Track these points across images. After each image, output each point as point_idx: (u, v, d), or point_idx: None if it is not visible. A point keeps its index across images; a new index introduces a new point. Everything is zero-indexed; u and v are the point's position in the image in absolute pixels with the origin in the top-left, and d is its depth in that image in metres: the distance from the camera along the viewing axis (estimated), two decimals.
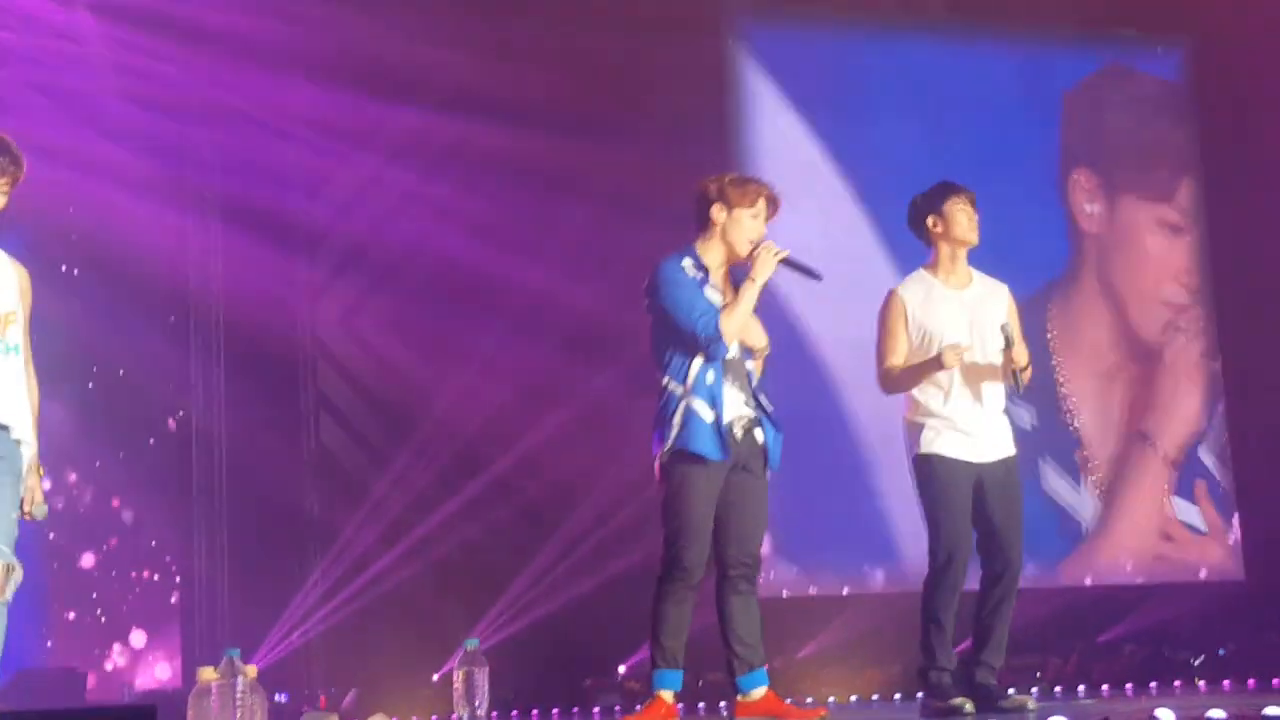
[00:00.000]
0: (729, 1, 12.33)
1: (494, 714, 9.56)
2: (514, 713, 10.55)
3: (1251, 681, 10.52)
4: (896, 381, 6.76)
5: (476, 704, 5.00)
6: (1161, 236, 12.87)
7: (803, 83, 12.30)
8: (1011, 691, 6.76)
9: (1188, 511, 12.49)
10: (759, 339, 6.30)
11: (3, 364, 5.31)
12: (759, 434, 6.19)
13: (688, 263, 6.20)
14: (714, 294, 6.17)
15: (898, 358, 6.74)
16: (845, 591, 11.75)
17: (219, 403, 11.32)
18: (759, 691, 6.18)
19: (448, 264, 11.28)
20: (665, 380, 6.15)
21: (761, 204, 6.22)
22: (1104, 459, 12.40)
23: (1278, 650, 11.28)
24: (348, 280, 11.75)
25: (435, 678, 10.85)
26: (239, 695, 4.77)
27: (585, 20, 11.39)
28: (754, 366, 6.28)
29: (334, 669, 11.20)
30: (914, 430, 6.76)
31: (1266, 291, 12.39)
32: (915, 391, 6.74)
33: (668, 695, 6.12)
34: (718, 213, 6.21)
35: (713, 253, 6.25)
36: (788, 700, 6.80)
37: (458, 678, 5.02)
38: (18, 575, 5.06)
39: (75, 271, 11.05)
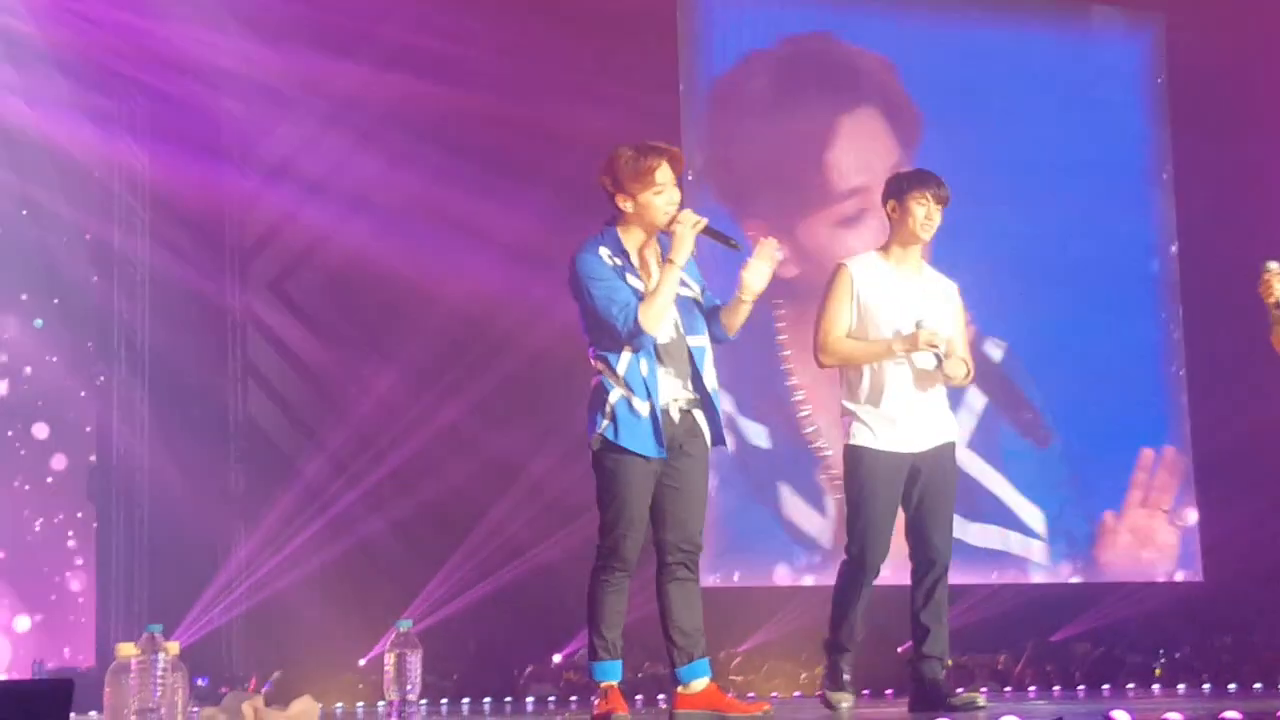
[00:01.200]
0: None
1: (423, 702, 9.23)
2: (444, 700, 10.22)
3: (1206, 685, 10.40)
4: (845, 354, 6.59)
5: (408, 689, 4.65)
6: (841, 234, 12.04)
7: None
8: (960, 691, 6.60)
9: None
10: (735, 329, 6.02)
11: None
12: (698, 415, 5.94)
13: (605, 251, 5.87)
14: (635, 280, 5.86)
15: (841, 329, 6.59)
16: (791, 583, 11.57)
17: (143, 366, 10.95)
18: (700, 683, 5.89)
19: (384, 228, 10.98)
20: (597, 365, 5.89)
21: (662, 174, 5.84)
22: None
23: (1232, 653, 11.18)
24: (279, 244, 11.40)
25: (362, 662, 10.59)
26: (160, 672, 4.45)
27: None
28: (703, 344, 5.97)
29: (256, 651, 10.90)
30: (846, 418, 6.65)
31: (1228, 292, 12.12)
32: (853, 379, 6.61)
33: (616, 685, 5.86)
34: (624, 203, 5.87)
35: (631, 235, 5.93)
36: (730, 693, 6.50)
37: (389, 660, 4.70)
38: None
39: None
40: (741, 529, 11.60)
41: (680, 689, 5.90)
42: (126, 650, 4.97)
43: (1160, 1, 12.86)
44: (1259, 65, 12.43)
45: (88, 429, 10.84)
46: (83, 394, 10.80)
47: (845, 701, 6.56)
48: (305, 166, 11.30)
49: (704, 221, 5.83)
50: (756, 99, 12.18)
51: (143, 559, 10.82)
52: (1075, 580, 12.07)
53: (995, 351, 12.08)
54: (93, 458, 10.80)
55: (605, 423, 5.79)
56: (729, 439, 6.32)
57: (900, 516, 6.59)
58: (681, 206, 5.85)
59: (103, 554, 10.76)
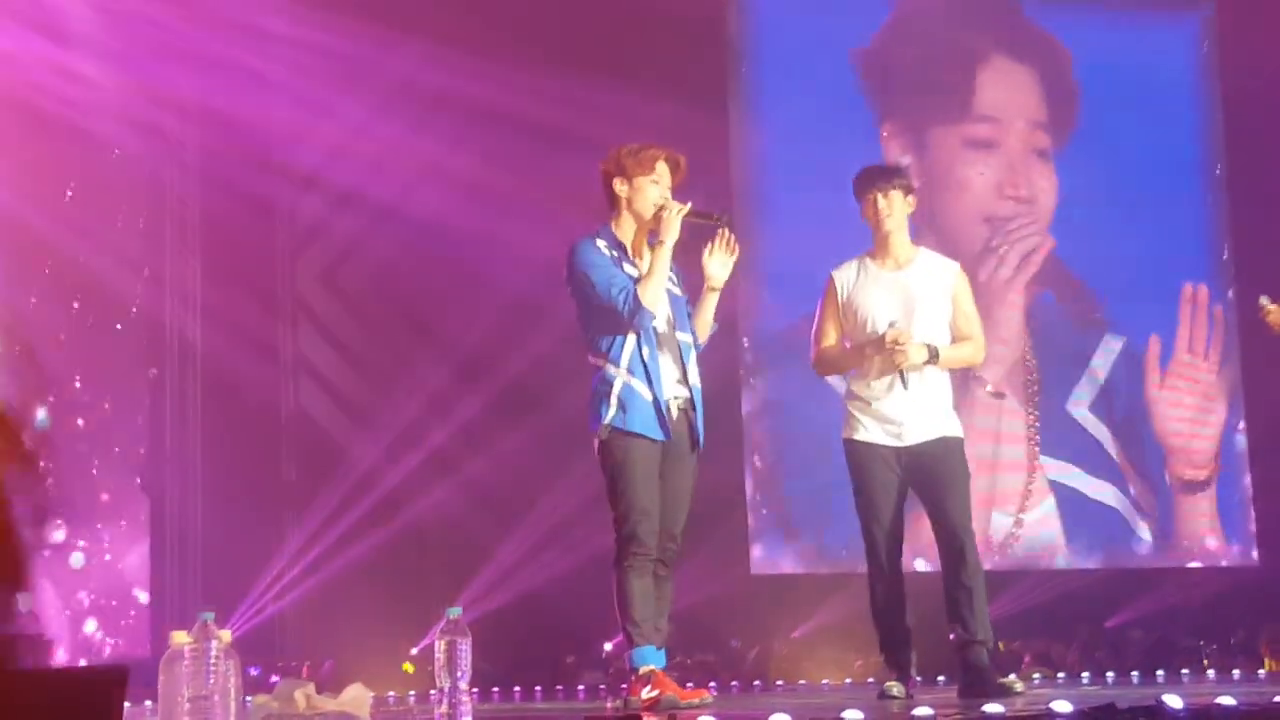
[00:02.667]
0: None
1: (474, 690, 9.23)
2: (495, 690, 10.22)
3: (1263, 672, 10.31)
4: (829, 363, 6.96)
5: (459, 676, 4.64)
6: (970, 155, 12.44)
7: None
8: (1013, 677, 6.86)
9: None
10: (704, 330, 6.29)
11: None
12: (690, 414, 6.16)
13: (601, 243, 6.16)
14: (631, 269, 6.12)
15: (827, 340, 6.90)
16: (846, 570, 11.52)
17: (195, 360, 10.97)
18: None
19: (435, 220, 10.96)
20: (598, 360, 6.09)
21: (661, 167, 6.19)
22: None
23: None
24: (331, 235, 11.40)
25: (414, 650, 10.60)
26: (212, 660, 4.48)
27: None
28: (689, 340, 6.21)
29: (309, 639, 10.92)
30: (844, 413, 6.89)
31: None
32: (849, 376, 6.90)
33: (659, 670, 5.99)
34: (620, 186, 6.19)
35: (625, 228, 6.22)
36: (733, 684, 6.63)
37: (439, 648, 4.70)
38: None
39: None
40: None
41: (634, 677, 6.04)
42: (180, 638, 4.97)
43: None
44: None
45: (139, 420, 10.89)
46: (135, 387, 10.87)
47: (895, 689, 6.67)
48: (357, 156, 11.30)
49: (686, 207, 6.10)
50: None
51: (196, 549, 10.86)
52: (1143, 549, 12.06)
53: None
54: (143, 450, 10.84)
55: (612, 411, 6.00)
56: None
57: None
58: None
59: (157, 545, 10.80)
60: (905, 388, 6.65)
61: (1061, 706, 4.63)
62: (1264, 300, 7.08)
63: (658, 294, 6.03)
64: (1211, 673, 10.66)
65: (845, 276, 6.86)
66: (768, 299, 11.85)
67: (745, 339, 11.85)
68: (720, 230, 6.19)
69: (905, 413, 6.69)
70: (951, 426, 6.81)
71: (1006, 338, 12.15)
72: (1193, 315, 12.47)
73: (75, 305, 10.60)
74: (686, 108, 10.60)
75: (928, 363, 6.66)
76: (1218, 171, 12.79)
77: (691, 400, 6.14)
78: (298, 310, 11.47)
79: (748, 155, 12.10)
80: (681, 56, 11.47)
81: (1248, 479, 12.40)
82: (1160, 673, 10.55)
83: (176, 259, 11.05)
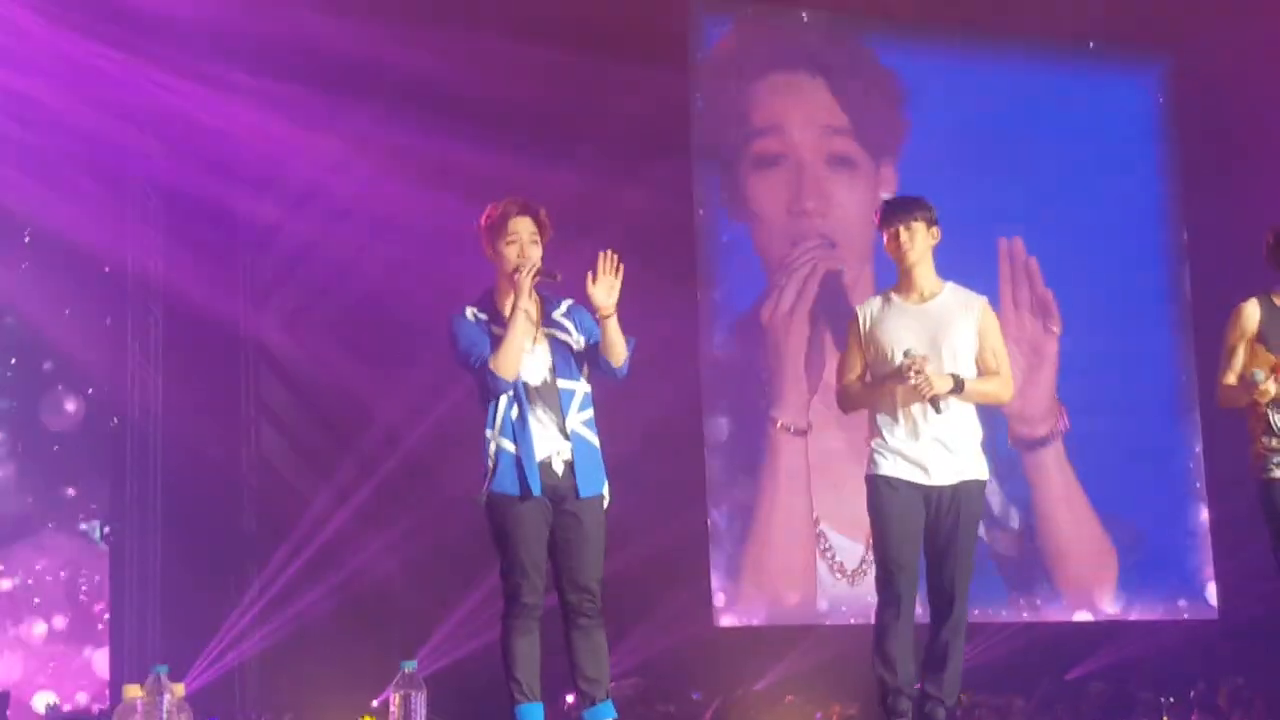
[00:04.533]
0: None
1: None
2: None
3: None
4: (854, 398, 6.69)
5: None
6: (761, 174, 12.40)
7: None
8: None
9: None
10: (618, 355, 6.13)
11: None
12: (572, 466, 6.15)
13: (471, 310, 6.18)
14: (501, 331, 6.07)
15: (852, 374, 6.66)
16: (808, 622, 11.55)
17: (156, 407, 10.95)
18: None
19: (396, 268, 10.95)
20: (484, 425, 6.12)
21: (516, 225, 6.14)
22: None
23: (1245, 690, 11.09)
24: (293, 284, 11.39)
25: (375, 703, 10.52)
26: (164, 714, 4.44)
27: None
28: (575, 387, 6.15)
29: (268, 693, 10.86)
30: (868, 449, 6.65)
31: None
32: (874, 411, 6.62)
33: None
34: (490, 255, 6.18)
35: (501, 290, 6.18)
36: None
37: (394, 701, 4.67)
38: None
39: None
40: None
41: None
42: (132, 692, 4.98)
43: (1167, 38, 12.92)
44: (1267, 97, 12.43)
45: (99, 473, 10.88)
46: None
47: None
48: (323, 199, 11.32)
49: (531, 266, 6.05)
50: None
51: (155, 600, 10.80)
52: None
53: None
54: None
55: (487, 476, 6.03)
56: None
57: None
58: None
59: (115, 596, 10.75)
60: (939, 411, 6.41)
61: None
62: (1260, 375, 6.74)
63: (511, 359, 5.98)
64: None
65: (869, 310, 6.67)
66: (724, 341, 11.94)
67: (705, 385, 11.88)
68: (602, 255, 6.06)
69: (931, 452, 6.48)
70: (978, 469, 6.59)
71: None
72: (1012, 271, 12.51)
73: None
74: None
75: (952, 392, 6.42)
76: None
77: (574, 450, 6.10)
78: (259, 359, 11.44)
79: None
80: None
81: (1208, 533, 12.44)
82: None
83: (139, 311, 11.03)
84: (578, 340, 6.19)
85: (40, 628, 10.70)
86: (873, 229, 6.83)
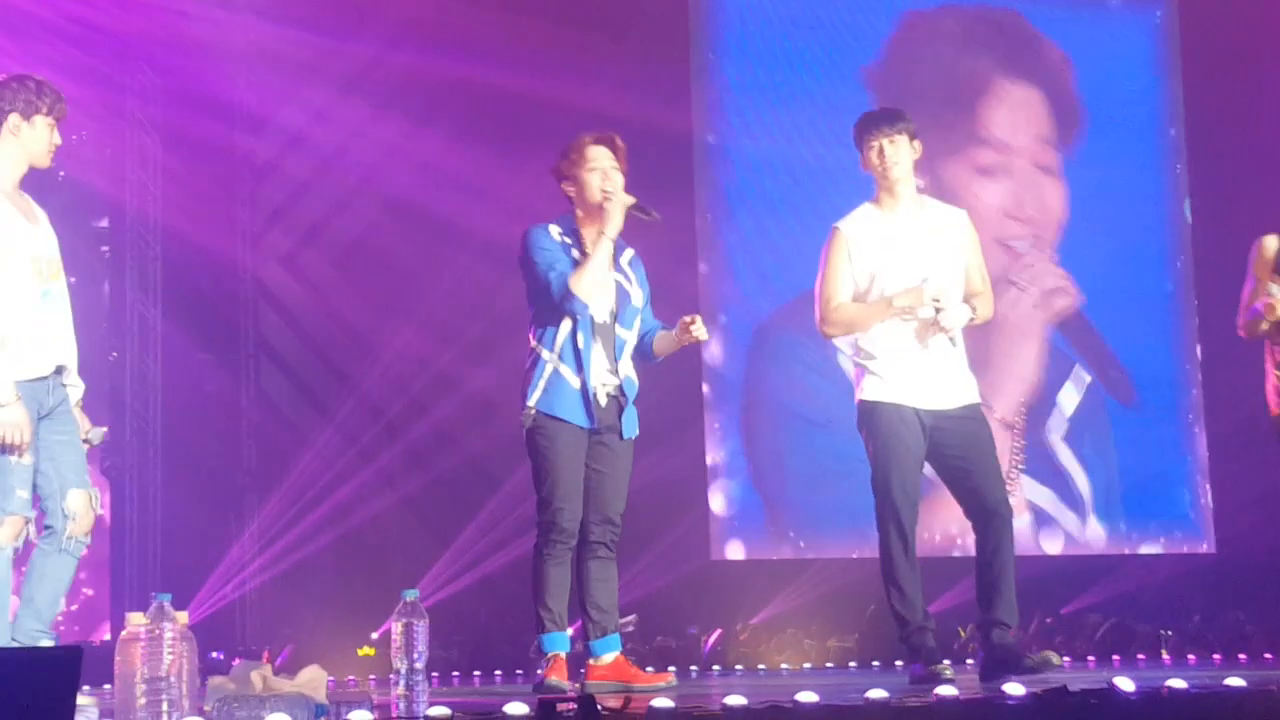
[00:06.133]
0: None
1: (434, 674, 9.24)
2: (455, 674, 10.22)
3: (1217, 656, 10.34)
4: (848, 321, 6.43)
5: (415, 658, 4.64)
6: (976, 183, 12.38)
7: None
8: (1049, 653, 6.23)
9: (1037, 492, 12.18)
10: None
11: (59, 308, 5.65)
12: (621, 401, 6.20)
13: (555, 229, 6.23)
14: (580, 257, 6.14)
15: (842, 295, 6.42)
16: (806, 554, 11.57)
17: (155, 344, 10.95)
18: (610, 656, 6.20)
19: (397, 204, 10.96)
20: (533, 343, 6.17)
21: (593, 151, 6.21)
22: None
23: (1244, 625, 11.13)
24: (292, 219, 11.36)
25: (375, 635, 10.57)
26: (169, 641, 4.42)
27: None
28: (628, 337, 6.21)
29: (270, 625, 10.91)
30: (858, 371, 6.46)
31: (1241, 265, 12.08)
32: (864, 333, 6.40)
33: (563, 655, 6.13)
34: (567, 188, 6.26)
35: (582, 220, 6.25)
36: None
37: (396, 630, 4.69)
38: (98, 505, 5.76)
39: None
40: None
41: (591, 660, 6.17)
42: (136, 620, 4.92)
43: None
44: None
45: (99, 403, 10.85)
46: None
47: (948, 671, 6.11)
48: (316, 140, 11.28)
49: (630, 199, 6.10)
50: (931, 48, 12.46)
51: (156, 534, 10.83)
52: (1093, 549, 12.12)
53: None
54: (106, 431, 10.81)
55: (537, 395, 6.07)
56: None
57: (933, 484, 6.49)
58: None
59: (116, 530, 10.77)
60: (954, 345, 6.29)
61: (1014, 689, 4.60)
62: (1275, 290, 6.81)
63: (592, 284, 6.04)
64: (1166, 658, 10.68)
65: (853, 229, 6.42)
66: (733, 286, 11.91)
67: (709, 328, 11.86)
68: (689, 324, 6.10)
69: (928, 374, 6.30)
70: (973, 391, 6.43)
71: (1023, 373, 12.22)
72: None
73: None
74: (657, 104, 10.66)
75: (968, 323, 6.34)
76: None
77: (622, 388, 6.17)
78: (259, 295, 11.44)
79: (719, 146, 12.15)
80: (656, 52, 11.55)
81: (1205, 467, 12.46)
82: (1115, 658, 10.60)
83: (137, 243, 11.02)
84: (637, 294, 6.27)
85: None
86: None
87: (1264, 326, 6.85)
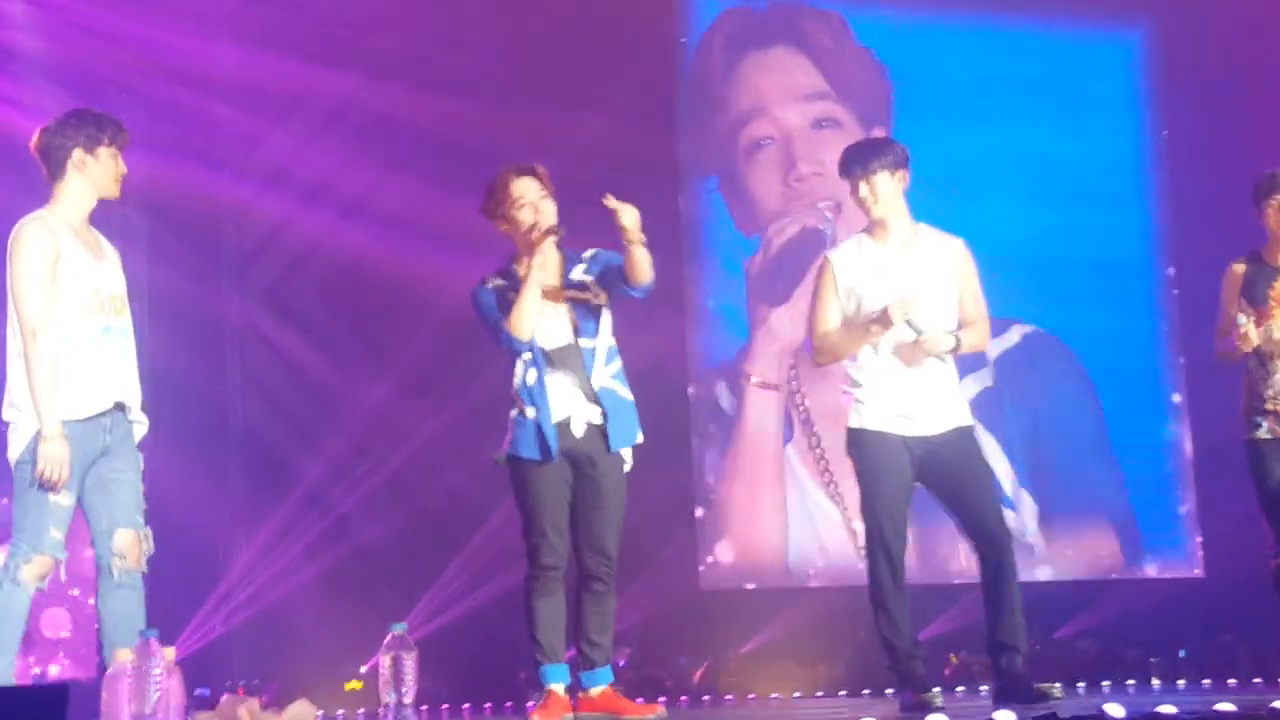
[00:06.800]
0: None
1: (423, 707, 9.20)
2: (444, 706, 10.18)
3: (1207, 681, 10.34)
4: (832, 348, 6.49)
5: (403, 691, 4.62)
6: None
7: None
8: (1052, 684, 6.30)
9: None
10: (645, 274, 6.10)
11: (121, 345, 5.74)
12: (603, 425, 6.19)
13: (492, 280, 6.29)
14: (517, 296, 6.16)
15: (830, 324, 6.48)
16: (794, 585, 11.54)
17: (141, 375, 10.84)
18: (598, 689, 6.23)
19: (380, 234, 10.96)
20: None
21: (520, 188, 6.20)
22: None
23: (1234, 650, 11.10)
24: (276, 252, 11.34)
25: (364, 669, 10.54)
26: (155, 678, 4.41)
27: None
28: (593, 345, 6.19)
29: (257, 660, 10.83)
30: (845, 399, 6.52)
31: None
32: (847, 361, 6.47)
33: (559, 689, 6.17)
34: (502, 227, 6.29)
35: (521, 256, 6.25)
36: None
37: (384, 664, 4.68)
38: (149, 545, 5.97)
39: None
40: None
41: (581, 693, 6.23)
42: (123, 655, 4.93)
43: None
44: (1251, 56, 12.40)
45: None
46: None
47: (938, 699, 6.16)
48: (301, 173, 11.27)
49: (547, 225, 6.11)
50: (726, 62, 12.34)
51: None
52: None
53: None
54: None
55: (508, 436, 6.19)
56: None
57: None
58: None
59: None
60: (945, 363, 6.32)
61: (1005, 717, 4.60)
62: (1242, 320, 6.89)
63: (522, 319, 6.07)
64: (1157, 684, 10.66)
65: (843, 258, 6.49)
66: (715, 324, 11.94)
67: (693, 357, 11.88)
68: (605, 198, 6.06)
69: (916, 399, 6.34)
70: (964, 414, 6.47)
71: None
72: None
73: None
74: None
75: (951, 351, 6.35)
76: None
77: (604, 411, 6.15)
78: (245, 325, 11.42)
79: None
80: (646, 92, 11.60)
81: (1193, 491, 12.44)
82: (1105, 684, 10.57)
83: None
84: (598, 294, 6.22)
85: None
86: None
87: (1236, 355, 6.95)
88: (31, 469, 5.54)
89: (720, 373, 11.89)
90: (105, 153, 5.74)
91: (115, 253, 5.88)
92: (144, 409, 5.95)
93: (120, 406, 5.73)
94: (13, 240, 5.66)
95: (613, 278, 6.18)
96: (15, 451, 5.65)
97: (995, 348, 11.66)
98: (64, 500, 5.58)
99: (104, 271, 5.77)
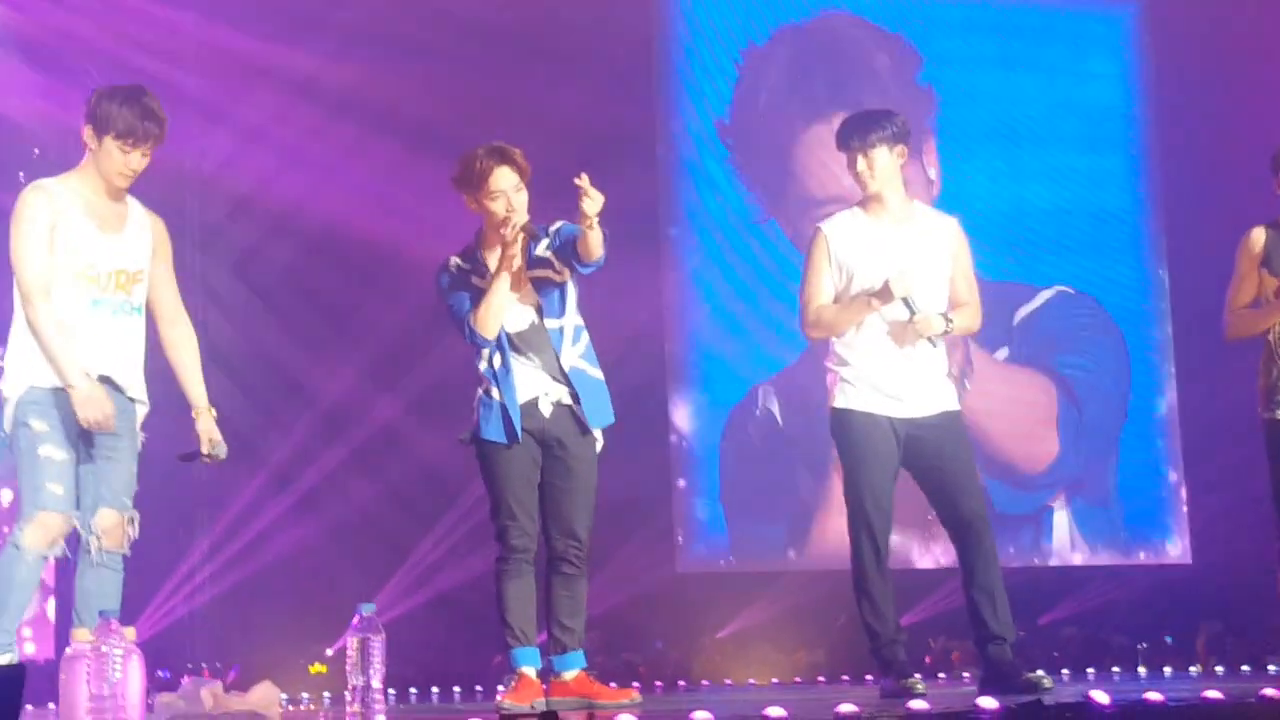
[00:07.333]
0: None
1: (392, 691, 9.02)
2: (413, 690, 10.02)
3: (1194, 669, 10.32)
4: (828, 323, 6.35)
5: (372, 674, 4.44)
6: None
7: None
8: (1040, 673, 6.17)
9: None
10: (597, 253, 5.87)
11: (125, 323, 5.74)
12: (575, 407, 6.09)
13: (454, 261, 6.17)
14: (480, 282, 6.07)
15: (824, 297, 6.36)
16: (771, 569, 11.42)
17: None
18: (571, 673, 6.12)
19: (344, 211, 10.85)
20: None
21: (497, 178, 5.99)
22: None
23: (1218, 636, 11.03)
24: (240, 228, 11.14)
25: (329, 651, 10.40)
26: (115, 659, 4.27)
27: None
28: (560, 325, 6.06)
29: (219, 642, 10.70)
30: (830, 378, 6.41)
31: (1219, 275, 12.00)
32: (838, 339, 6.35)
33: (530, 672, 6.07)
34: (473, 206, 6.11)
35: (487, 241, 6.12)
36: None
37: (352, 645, 4.51)
38: (134, 530, 5.86)
39: None
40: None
41: (553, 677, 6.12)
42: (81, 636, 4.92)
43: None
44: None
45: None
46: None
47: (920, 686, 6.12)
48: (266, 147, 11.08)
49: (520, 222, 5.91)
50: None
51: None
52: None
53: None
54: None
55: (473, 417, 6.09)
56: None
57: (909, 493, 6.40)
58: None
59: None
60: (935, 347, 6.19)
61: (987, 703, 4.54)
62: None
63: (490, 321, 5.97)
64: (1142, 671, 10.59)
65: (837, 230, 6.36)
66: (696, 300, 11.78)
67: (670, 341, 11.75)
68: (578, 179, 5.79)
69: (903, 380, 6.24)
70: (951, 398, 6.38)
71: None
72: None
73: None
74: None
75: (943, 334, 6.24)
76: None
77: (573, 392, 6.04)
78: (208, 302, 11.21)
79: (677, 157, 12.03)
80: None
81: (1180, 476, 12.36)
82: (1090, 671, 10.48)
83: None
84: (561, 270, 6.07)
85: None
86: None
87: (1258, 328, 6.62)
88: (23, 434, 5.55)
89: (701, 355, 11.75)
90: (111, 143, 5.59)
91: (147, 230, 5.84)
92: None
93: (108, 381, 5.65)
94: (15, 207, 5.65)
95: (568, 252, 6.01)
96: (7, 424, 5.66)
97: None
98: (56, 455, 5.54)
99: (112, 245, 5.69)
